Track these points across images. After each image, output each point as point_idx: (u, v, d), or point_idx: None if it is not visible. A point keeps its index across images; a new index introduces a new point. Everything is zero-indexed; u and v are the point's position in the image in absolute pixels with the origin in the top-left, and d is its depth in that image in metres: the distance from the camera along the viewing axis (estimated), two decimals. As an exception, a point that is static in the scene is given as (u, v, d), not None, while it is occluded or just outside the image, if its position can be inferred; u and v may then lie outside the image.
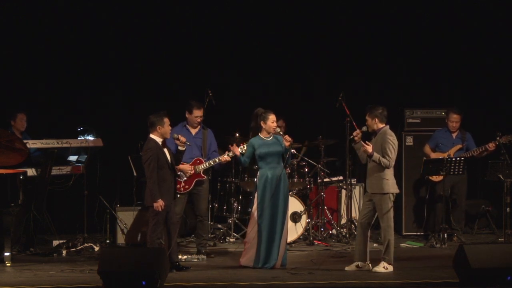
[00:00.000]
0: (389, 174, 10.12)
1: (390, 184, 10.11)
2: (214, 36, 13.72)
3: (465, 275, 9.19)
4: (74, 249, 11.65)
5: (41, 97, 13.31)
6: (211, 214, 12.69)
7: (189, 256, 11.03)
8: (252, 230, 10.40)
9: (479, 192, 13.79)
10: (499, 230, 12.75)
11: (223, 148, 11.94)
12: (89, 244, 11.77)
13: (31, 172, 11.47)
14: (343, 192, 12.87)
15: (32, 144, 11.58)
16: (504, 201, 11.99)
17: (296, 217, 12.25)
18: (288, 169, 11.59)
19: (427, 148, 12.69)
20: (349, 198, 12.64)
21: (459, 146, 12.52)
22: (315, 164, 12.72)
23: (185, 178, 11.03)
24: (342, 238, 12.47)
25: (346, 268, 10.25)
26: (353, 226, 12.51)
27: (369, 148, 10.03)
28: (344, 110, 12.31)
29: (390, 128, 10.27)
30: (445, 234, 12.07)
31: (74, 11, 13.34)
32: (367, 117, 10.25)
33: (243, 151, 10.64)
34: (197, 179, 11.12)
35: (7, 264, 10.60)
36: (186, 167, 10.98)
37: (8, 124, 11.98)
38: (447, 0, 13.86)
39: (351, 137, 10.38)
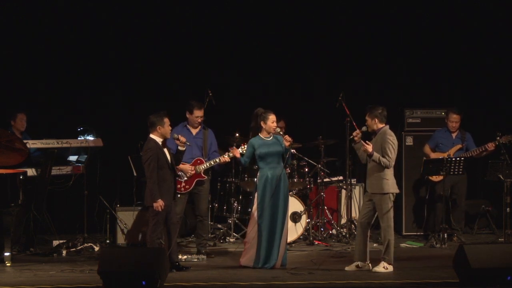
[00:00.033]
0: (389, 174, 10.12)
1: (390, 184, 10.11)
2: (214, 36, 13.72)
3: (465, 275, 9.19)
4: (74, 249, 11.65)
5: (41, 97, 13.31)
6: (211, 214, 12.69)
7: (189, 256, 11.03)
8: (252, 230, 10.40)
9: (479, 192, 13.79)
10: (499, 230, 12.75)
11: (223, 148, 11.94)
12: (89, 244, 11.77)
13: (31, 172, 11.47)
14: (343, 192, 12.87)
15: (32, 144, 11.58)
16: (504, 201, 11.99)
17: (296, 217, 12.25)
18: (288, 169, 11.59)
19: (427, 148, 12.69)
20: (349, 198, 12.64)
21: (459, 146, 12.52)
22: (315, 164, 12.72)
23: (185, 178, 11.03)
24: (342, 238, 12.48)
25: (346, 268, 10.25)
26: (353, 226, 12.51)
27: (369, 148, 10.03)
28: (344, 110, 12.31)
29: (390, 128, 10.27)
30: (445, 234, 12.07)
31: (74, 11, 13.34)
32: (366, 117, 10.26)
33: (243, 151, 10.65)
34: (197, 179, 11.13)
35: (7, 264, 10.60)
36: (187, 167, 10.98)
37: (8, 124, 11.98)
38: (447, 0, 13.87)
39: (351, 137, 10.38)
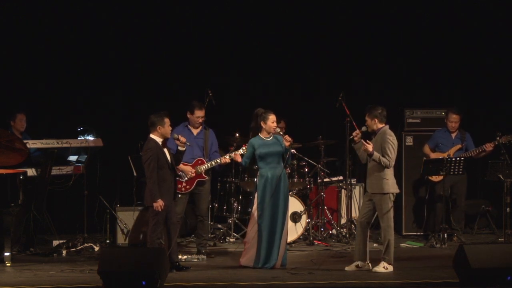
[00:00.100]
0: (389, 174, 10.12)
1: (390, 184, 10.11)
2: (214, 36, 13.72)
3: (465, 275, 9.19)
4: (74, 249, 11.65)
5: (41, 97, 13.31)
6: (211, 214, 12.68)
7: (189, 256, 11.03)
8: (252, 230, 10.40)
9: (479, 192, 13.79)
10: (499, 230, 12.75)
11: (223, 148, 11.95)
12: (89, 244, 11.77)
13: (31, 172, 11.47)
14: (343, 192, 12.87)
15: (32, 144, 11.58)
16: (504, 201, 11.99)
17: (296, 217, 12.25)
18: (288, 169, 11.59)
19: (426, 148, 12.69)
20: (349, 198, 12.64)
21: (459, 146, 12.52)
22: (315, 164, 12.72)
23: (186, 178, 11.03)
24: (342, 238, 12.47)
25: (346, 268, 10.25)
26: (353, 226, 12.50)
27: (370, 147, 10.02)
28: (344, 110, 12.31)
29: (390, 128, 10.27)
30: (445, 234, 12.07)
31: (74, 11, 13.34)
32: (366, 117, 10.26)
33: (244, 152, 10.66)
34: (199, 179, 11.13)
35: (7, 264, 10.60)
36: (188, 168, 10.98)
37: (7, 125, 11.98)
38: (447, 0, 13.86)
39: (351, 137, 10.38)
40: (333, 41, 13.82)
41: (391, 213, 10.12)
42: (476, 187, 13.65)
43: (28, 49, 13.27)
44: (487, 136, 12.34)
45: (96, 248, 11.72)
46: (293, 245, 12.14)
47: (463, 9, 13.82)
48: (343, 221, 12.88)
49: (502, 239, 12.09)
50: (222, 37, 13.74)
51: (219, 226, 12.86)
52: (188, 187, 11.08)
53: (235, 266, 10.53)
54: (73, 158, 12.22)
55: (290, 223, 11.59)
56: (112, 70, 13.49)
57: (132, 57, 13.54)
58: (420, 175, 12.55)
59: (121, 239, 12.10)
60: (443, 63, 13.90)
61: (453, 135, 12.59)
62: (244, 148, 10.73)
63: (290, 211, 11.06)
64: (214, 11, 13.70)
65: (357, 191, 12.96)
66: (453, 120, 12.51)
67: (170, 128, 10.20)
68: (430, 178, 12.44)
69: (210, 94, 11.97)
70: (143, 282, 8.83)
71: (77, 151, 12.15)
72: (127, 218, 12.10)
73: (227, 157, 10.96)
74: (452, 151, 12.46)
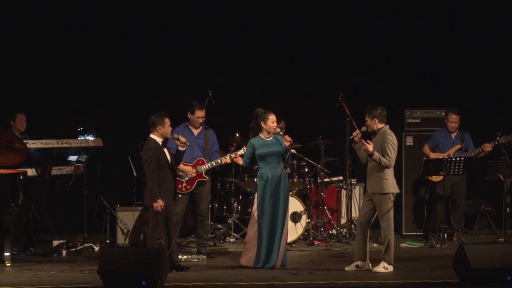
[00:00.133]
0: (389, 174, 10.12)
1: (390, 184, 10.11)
2: (214, 36, 13.72)
3: (465, 275, 9.19)
4: (74, 249, 11.64)
5: (41, 97, 13.31)
6: (211, 214, 12.68)
7: (189, 256, 11.03)
8: (252, 230, 10.40)
9: (479, 192, 13.79)
10: (499, 230, 12.75)
11: (223, 148, 11.95)
12: (89, 244, 11.77)
13: (31, 172, 11.47)
14: (343, 192, 12.87)
15: (32, 144, 11.58)
16: (504, 201, 11.99)
17: (296, 217, 12.25)
18: (288, 169, 11.59)
19: (426, 148, 12.69)
20: (349, 198, 12.64)
21: (459, 146, 12.52)
22: (315, 164, 12.72)
23: (187, 179, 11.03)
24: (342, 238, 12.47)
25: (346, 268, 10.25)
26: (353, 226, 12.50)
27: (370, 147, 10.02)
28: (344, 110, 12.31)
29: (390, 128, 10.27)
30: (445, 234, 12.07)
31: (74, 11, 13.34)
32: (366, 118, 10.26)
33: (244, 152, 10.67)
34: (199, 179, 11.13)
35: (7, 264, 10.60)
36: (188, 168, 10.98)
37: (8, 125, 11.98)
38: (447, 0, 13.86)
39: (351, 137, 10.38)
40: (333, 41, 13.82)
41: (391, 213, 10.12)
42: (476, 187, 13.65)
43: (28, 49, 13.27)
44: (487, 136, 12.34)
45: (96, 248, 11.72)
46: (293, 245, 12.14)
47: (463, 9, 13.82)
48: (343, 221, 12.88)
49: (502, 239, 12.09)
50: (222, 37, 13.74)
51: (219, 226, 12.85)
52: (188, 187, 11.08)
53: (235, 266, 10.53)
54: (73, 158, 12.22)
55: (290, 223, 11.59)
56: (112, 70, 13.49)
57: (132, 57, 13.54)
58: (420, 175, 12.55)
59: (121, 239, 12.10)
60: (443, 63, 13.90)
61: (453, 135, 12.59)
62: (245, 148, 10.73)
63: (290, 211, 11.06)
64: (214, 11, 13.70)
65: (357, 191, 12.96)
66: (453, 120, 12.51)
67: (170, 128, 10.20)
68: (430, 178, 12.44)
69: (210, 94, 11.97)
70: (143, 282, 8.83)
71: (77, 151, 12.15)
72: (127, 218, 12.10)
73: (227, 157, 10.96)
74: (452, 151, 12.46)
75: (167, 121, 10.12)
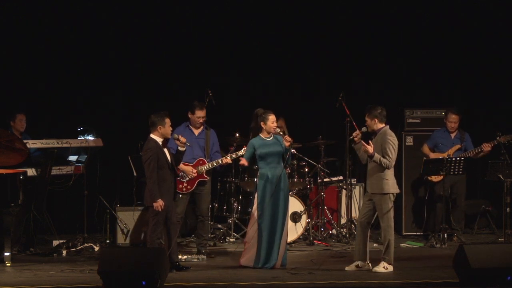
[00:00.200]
0: (389, 174, 10.11)
1: (390, 184, 10.11)
2: (214, 36, 13.72)
3: (465, 275, 9.19)
4: (74, 249, 11.64)
5: (41, 97, 13.31)
6: (211, 214, 12.68)
7: (189, 256, 11.03)
8: (252, 230, 10.40)
9: (479, 192, 13.79)
10: (499, 230, 12.75)
11: (223, 148, 11.94)
12: (89, 244, 11.77)
13: (31, 172, 11.47)
14: (343, 192, 12.87)
15: (32, 144, 11.58)
16: (504, 201, 11.99)
17: (296, 217, 12.25)
18: (288, 169, 11.59)
19: (425, 148, 12.69)
20: (349, 198, 12.64)
21: (458, 146, 12.52)
22: (315, 164, 12.72)
23: (187, 179, 11.03)
24: (342, 238, 12.47)
25: (346, 268, 10.25)
26: (353, 226, 12.50)
27: (370, 149, 10.02)
28: (344, 110, 12.31)
29: (390, 128, 10.27)
30: (445, 234, 12.07)
31: (74, 11, 13.34)
32: (366, 118, 10.26)
33: (244, 152, 10.68)
34: (200, 179, 11.13)
35: (7, 264, 10.60)
36: (189, 168, 10.98)
37: (8, 125, 11.98)
38: (447, 0, 13.87)
39: (351, 137, 10.38)
40: (333, 41, 13.82)
41: (391, 213, 10.12)
42: (476, 187, 13.65)
43: (28, 49, 13.27)
44: (487, 136, 12.34)
45: (96, 248, 11.72)
46: (293, 245, 12.14)
47: (463, 9, 13.82)
48: (343, 221, 12.88)
49: (502, 239, 12.09)
50: (222, 37, 13.74)
51: (219, 226, 12.86)
52: (189, 187, 11.08)
53: (235, 266, 10.53)
54: (73, 158, 12.22)
55: (290, 223, 11.59)
56: (112, 70, 13.49)
57: (132, 57, 13.54)
58: (420, 175, 12.55)
59: (121, 239, 12.10)
60: (443, 63, 13.90)
61: (453, 135, 12.59)
62: (244, 149, 10.73)
63: (290, 211, 11.06)
64: (214, 11, 13.70)
65: (357, 191, 12.96)
66: (453, 120, 12.51)
67: (171, 128, 10.21)
68: (430, 178, 12.44)
69: (210, 94, 11.97)
70: (143, 282, 8.83)
71: (77, 151, 12.15)
72: (127, 218, 12.10)
73: (228, 157, 10.95)
74: (451, 151, 12.46)
75: (167, 121, 10.13)
